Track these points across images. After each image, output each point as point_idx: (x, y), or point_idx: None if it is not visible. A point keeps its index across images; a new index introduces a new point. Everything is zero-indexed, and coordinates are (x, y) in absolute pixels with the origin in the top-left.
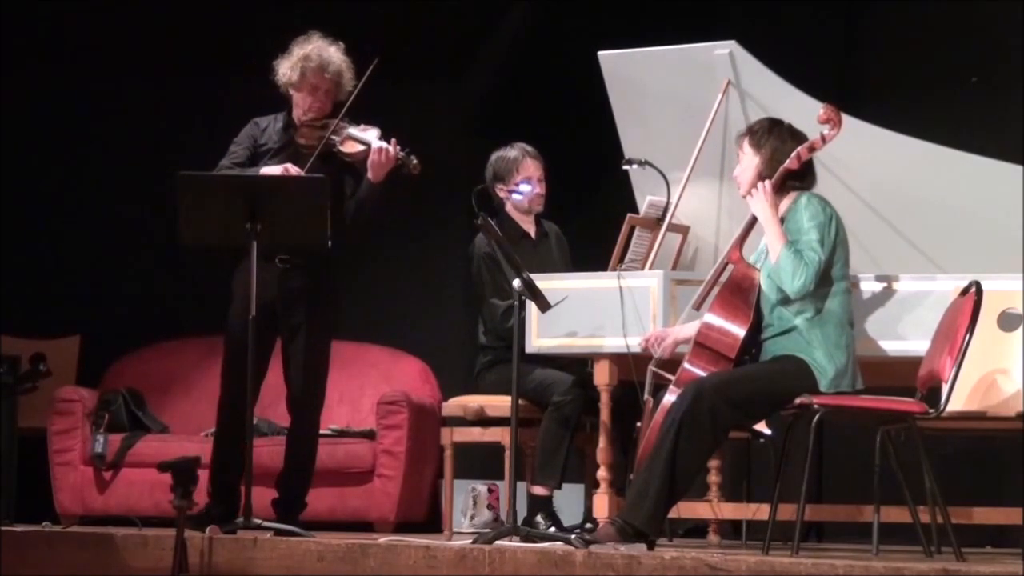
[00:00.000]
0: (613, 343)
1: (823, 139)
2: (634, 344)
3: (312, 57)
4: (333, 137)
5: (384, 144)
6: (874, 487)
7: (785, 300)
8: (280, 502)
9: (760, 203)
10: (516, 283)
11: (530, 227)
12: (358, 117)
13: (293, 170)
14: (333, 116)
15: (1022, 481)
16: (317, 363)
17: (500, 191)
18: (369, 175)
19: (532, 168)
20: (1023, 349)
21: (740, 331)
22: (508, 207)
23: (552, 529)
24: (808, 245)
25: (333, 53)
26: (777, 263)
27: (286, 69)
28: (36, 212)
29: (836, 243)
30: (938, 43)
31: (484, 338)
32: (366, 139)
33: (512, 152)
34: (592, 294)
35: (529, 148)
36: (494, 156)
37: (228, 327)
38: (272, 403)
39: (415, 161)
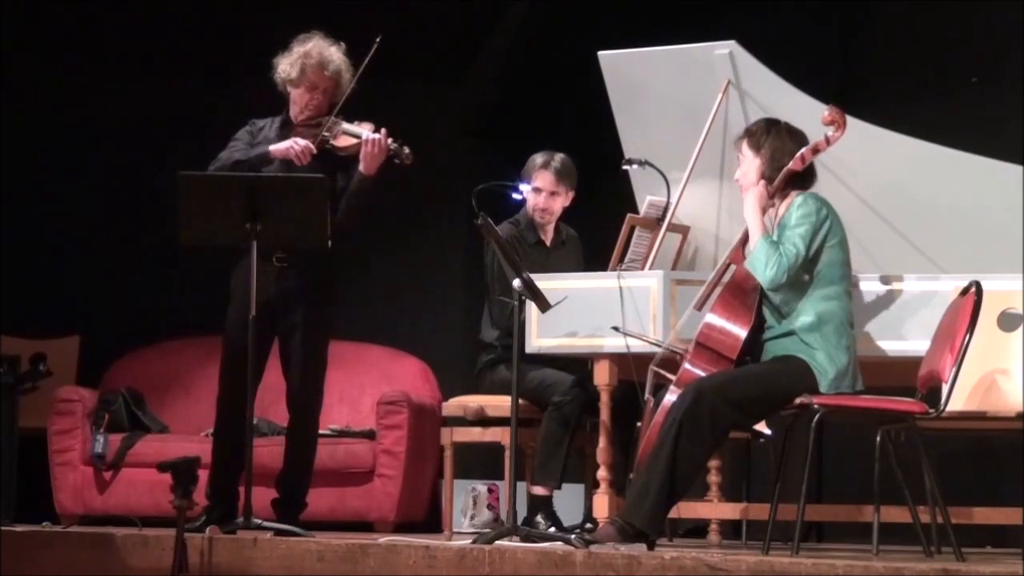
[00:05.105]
0: (613, 343)
1: (827, 140)
2: (634, 344)
3: (312, 55)
4: (326, 133)
5: (376, 135)
6: (874, 487)
7: (786, 301)
8: (280, 502)
9: (750, 199)
10: (516, 283)
11: (546, 235)
12: (354, 117)
13: (301, 142)
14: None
15: (1022, 481)
16: (315, 362)
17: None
18: (362, 168)
19: (543, 179)
20: (1023, 349)
21: (741, 332)
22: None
23: (552, 529)
24: (789, 239)
25: (333, 52)
26: (752, 251)
27: (286, 66)
28: (36, 212)
29: (826, 243)
30: (938, 43)
31: (488, 335)
32: (358, 132)
33: (540, 157)
34: (592, 294)
35: (558, 163)
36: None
37: (226, 327)
38: (272, 403)
39: (407, 151)
